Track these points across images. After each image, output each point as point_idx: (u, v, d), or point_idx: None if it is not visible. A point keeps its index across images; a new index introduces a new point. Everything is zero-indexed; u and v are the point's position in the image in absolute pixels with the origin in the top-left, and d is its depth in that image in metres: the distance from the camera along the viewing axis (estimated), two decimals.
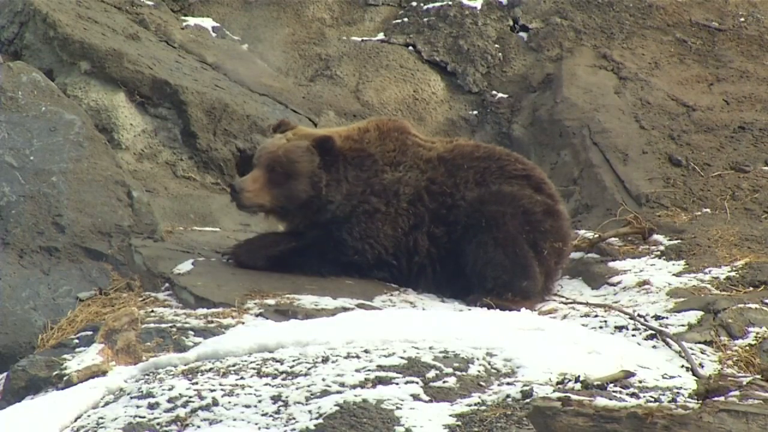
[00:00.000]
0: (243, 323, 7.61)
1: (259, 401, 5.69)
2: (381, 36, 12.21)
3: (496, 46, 12.07)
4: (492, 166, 8.61)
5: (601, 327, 7.83)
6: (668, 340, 7.48)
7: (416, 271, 8.51)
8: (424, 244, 8.48)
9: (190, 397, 5.78)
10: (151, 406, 5.79)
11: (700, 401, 5.12)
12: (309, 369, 5.94)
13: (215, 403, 5.70)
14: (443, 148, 8.71)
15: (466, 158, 8.64)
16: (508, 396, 5.66)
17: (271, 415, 5.58)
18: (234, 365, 6.12)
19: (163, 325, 7.58)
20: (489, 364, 6.04)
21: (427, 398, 5.67)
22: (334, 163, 8.40)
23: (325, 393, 5.68)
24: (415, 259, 8.49)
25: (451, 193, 8.50)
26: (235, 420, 5.57)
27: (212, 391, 5.81)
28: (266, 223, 9.05)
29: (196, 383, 5.92)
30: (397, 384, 5.76)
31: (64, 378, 6.70)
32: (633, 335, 7.67)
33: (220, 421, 5.58)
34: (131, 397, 5.94)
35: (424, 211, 8.49)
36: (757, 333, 7.67)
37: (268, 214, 8.59)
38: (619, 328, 7.79)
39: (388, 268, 8.50)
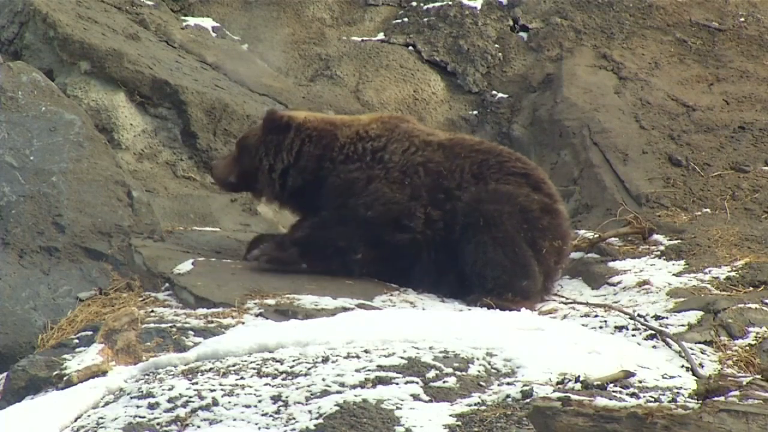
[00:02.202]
0: (243, 323, 7.61)
1: (259, 401, 5.69)
2: (381, 36, 12.21)
3: (496, 46, 12.06)
4: (490, 160, 8.61)
5: (601, 327, 7.83)
6: (668, 340, 7.48)
7: (414, 253, 8.50)
8: (421, 219, 8.48)
9: (190, 397, 5.78)
10: (151, 406, 5.79)
11: (700, 401, 5.12)
12: (309, 369, 5.94)
13: (215, 403, 5.70)
14: (444, 137, 8.83)
15: (465, 148, 8.67)
16: (508, 396, 5.66)
17: (271, 415, 5.58)
18: (234, 365, 6.12)
19: (163, 325, 7.58)
20: (489, 364, 6.05)
21: (427, 398, 5.67)
22: (280, 134, 8.82)
23: (325, 393, 5.68)
24: (416, 233, 8.50)
25: (447, 176, 8.52)
26: (235, 420, 5.57)
27: (212, 391, 5.81)
28: (265, 224, 9.05)
29: (196, 383, 5.92)
30: (397, 384, 5.76)
31: (64, 378, 6.70)
32: (633, 335, 7.67)
33: (220, 421, 5.58)
34: (131, 397, 5.94)
35: (420, 185, 8.50)
36: (757, 333, 7.67)
37: (242, 191, 9.41)
38: (619, 328, 7.79)
39: (403, 230, 8.50)
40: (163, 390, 5.91)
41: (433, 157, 8.59)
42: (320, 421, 5.44)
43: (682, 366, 7.00)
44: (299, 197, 8.84)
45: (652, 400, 5.69)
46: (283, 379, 5.87)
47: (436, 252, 8.49)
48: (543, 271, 8.48)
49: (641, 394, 5.78)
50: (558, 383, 5.81)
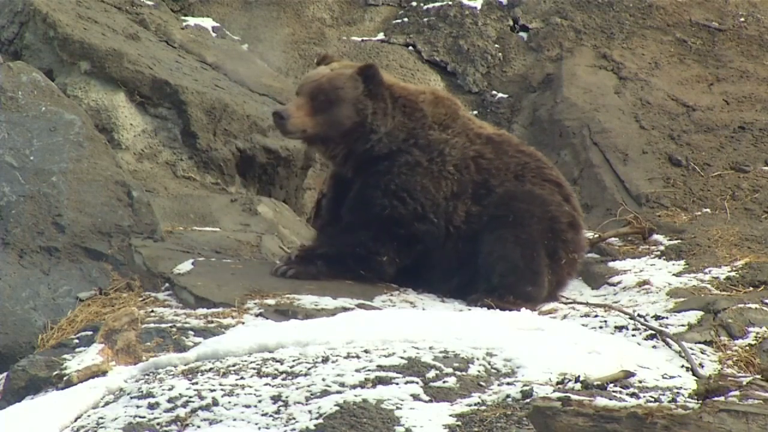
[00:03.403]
0: (243, 323, 7.61)
1: (259, 401, 5.69)
2: (381, 36, 12.22)
3: (496, 46, 12.07)
4: (531, 164, 8.56)
5: (601, 327, 7.83)
6: (668, 340, 7.48)
7: (442, 242, 8.38)
8: (461, 216, 8.37)
9: (190, 397, 5.78)
10: (151, 406, 5.79)
11: (700, 401, 5.12)
12: (309, 369, 5.94)
13: (215, 403, 5.70)
14: (492, 130, 8.73)
15: (512, 146, 8.60)
16: (508, 396, 5.66)
17: (271, 415, 5.58)
18: (234, 365, 6.12)
19: (163, 325, 7.59)
20: (489, 364, 6.04)
21: (427, 398, 5.67)
22: (380, 93, 8.33)
23: (325, 393, 5.68)
24: (450, 229, 8.37)
25: (494, 174, 8.42)
26: (235, 420, 5.57)
27: (212, 391, 5.81)
28: (265, 224, 9.04)
29: (196, 383, 5.92)
30: (397, 384, 5.76)
31: (64, 378, 6.70)
32: (633, 335, 7.67)
33: (220, 421, 5.58)
34: (131, 397, 5.94)
35: (468, 182, 8.39)
36: (757, 333, 7.67)
37: (309, 143, 8.56)
38: (619, 328, 7.79)
39: (428, 224, 8.32)
40: (163, 390, 5.91)
41: (484, 152, 8.48)
42: (320, 421, 5.44)
43: (682, 366, 7.00)
44: (366, 167, 8.41)
45: (652, 400, 5.69)
46: (283, 379, 5.87)
47: (462, 242, 8.40)
48: (556, 280, 8.46)
49: (641, 394, 5.78)
50: (558, 383, 5.81)
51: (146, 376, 6.28)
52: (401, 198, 8.29)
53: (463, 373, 5.92)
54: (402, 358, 6.02)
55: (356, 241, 8.31)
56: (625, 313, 7.98)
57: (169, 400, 5.79)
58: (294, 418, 5.51)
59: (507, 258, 8.24)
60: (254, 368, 6.03)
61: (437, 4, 12.31)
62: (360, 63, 8.63)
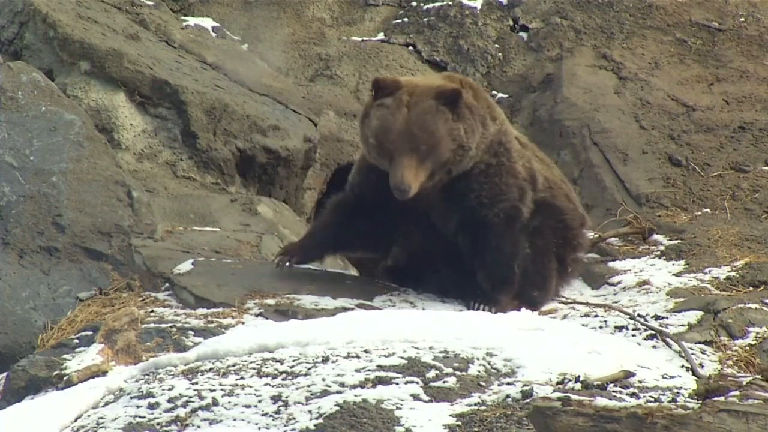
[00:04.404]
0: (243, 323, 7.61)
1: (259, 401, 5.69)
2: (381, 36, 12.22)
3: (496, 46, 12.07)
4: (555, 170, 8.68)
5: (601, 327, 7.83)
6: (668, 340, 7.49)
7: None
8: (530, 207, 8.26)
9: (190, 397, 5.78)
10: (151, 406, 5.79)
11: (700, 401, 5.12)
12: (309, 369, 5.94)
13: (215, 403, 5.70)
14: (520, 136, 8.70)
15: (539, 155, 8.64)
16: (508, 396, 5.66)
17: (271, 415, 5.58)
18: (234, 365, 6.12)
19: (163, 325, 7.59)
20: (489, 364, 6.04)
21: (427, 398, 5.67)
22: (463, 112, 7.91)
23: (325, 393, 5.68)
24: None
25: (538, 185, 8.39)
26: (235, 420, 5.57)
27: (212, 391, 5.81)
28: (265, 224, 9.04)
29: (196, 383, 5.92)
30: (397, 384, 5.76)
31: (64, 378, 6.70)
32: (633, 335, 7.67)
33: (220, 421, 5.58)
34: (131, 397, 5.94)
35: (525, 171, 8.29)
36: (757, 333, 7.68)
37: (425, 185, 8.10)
38: (619, 328, 7.79)
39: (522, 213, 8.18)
40: (163, 390, 5.91)
41: (524, 143, 8.51)
42: (320, 421, 5.44)
43: (682, 366, 7.00)
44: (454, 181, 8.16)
45: (652, 400, 5.69)
46: (283, 379, 5.87)
47: None
48: (562, 282, 8.50)
49: (641, 394, 5.78)
50: (558, 383, 5.81)
51: (146, 376, 6.28)
52: (501, 200, 8.09)
53: (463, 373, 5.92)
54: (402, 358, 6.02)
55: (506, 257, 8.11)
56: (625, 313, 7.98)
57: (169, 400, 5.79)
58: (294, 418, 5.52)
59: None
60: (254, 368, 6.03)
61: (437, 4, 12.31)
62: (431, 83, 8.07)
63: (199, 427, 5.55)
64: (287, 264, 8.38)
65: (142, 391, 5.96)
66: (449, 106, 7.84)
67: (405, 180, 7.73)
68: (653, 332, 7.61)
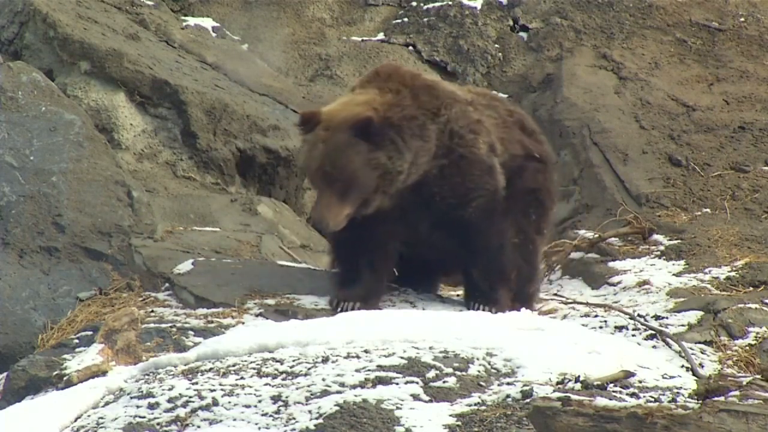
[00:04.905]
0: (243, 323, 7.61)
1: (259, 401, 5.69)
2: (381, 36, 12.22)
3: (496, 46, 12.07)
4: (498, 120, 8.27)
5: (601, 327, 7.83)
6: (668, 340, 7.49)
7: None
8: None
9: (190, 397, 5.78)
10: (151, 406, 5.79)
11: (700, 401, 5.13)
12: (309, 369, 5.94)
13: (215, 403, 5.70)
14: (457, 90, 8.28)
15: (481, 104, 8.27)
16: (508, 396, 5.66)
17: (271, 415, 5.58)
18: (234, 365, 6.12)
19: (163, 325, 7.59)
20: (489, 364, 6.04)
21: (427, 398, 5.67)
22: (382, 140, 7.67)
23: (325, 393, 5.68)
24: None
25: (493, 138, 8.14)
26: (235, 420, 5.57)
27: (212, 391, 5.81)
28: (265, 224, 9.04)
29: (196, 383, 5.92)
30: (397, 384, 5.76)
31: (64, 378, 6.70)
32: (633, 335, 7.67)
33: (220, 421, 5.58)
34: (131, 397, 5.94)
35: (486, 143, 8.03)
36: (757, 333, 7.68)
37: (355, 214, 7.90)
38: (619, 328, 7.79)
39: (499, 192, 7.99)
40: (163, 390, 5.91)
41: (483, 120, 8.15)
42: (320, 421, 5.44)
43: (682, 366, 7.01)
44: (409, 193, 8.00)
45: (652, 400, 5.69)
46: (283, 379, 5.87)
47: None
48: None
49: (641, 394, 5.78)
50: (558, 383, 5.81)
51: (146, 376, 6.28)
52: (471, 189, 7.90)
53: (463, 373, 5.92)
54: (402, 358, 6.02)
55: (499, 251, 8.01)
56: (625, 313, 7.98)
57: (169, 400, 5.79)
58: (294, 418, 5.52)
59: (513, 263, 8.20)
60: (254, 368, 6.03)
61: (437, 4, 12.31)
62: (348, 113, 7.76)
63: (199, 427, 5.55)
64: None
65: (142, 391, 5.96)
66: (363, 137, 7.61)
67: (323, 217, 7.61)
68: (653, 332, 7.62)
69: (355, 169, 7.57)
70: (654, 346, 7.45)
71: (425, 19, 12.24)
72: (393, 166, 7.66)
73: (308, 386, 5.75)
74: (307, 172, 7.89)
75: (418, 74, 8.16)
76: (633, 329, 7.75)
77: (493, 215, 7.92)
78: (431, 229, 7.96)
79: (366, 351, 6.13)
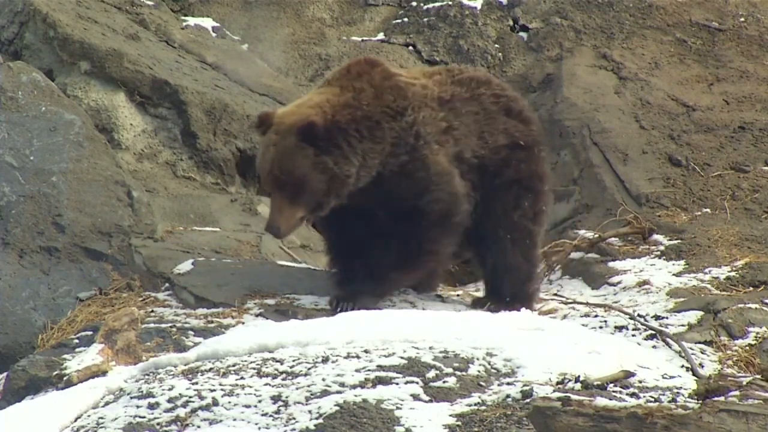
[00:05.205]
0: (243, 323, 7.62)
1: (259, 401, 5.69)
2: (381, 36, 12.22)
3: (496, 46, 12.07)
4: (480, 113, 8.18)
5: (601, 327, 7.84)
6: (668, 340, 7.49)
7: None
8: (468, 186, 8.03)
9: (190, 397, 5.78)
10: (151, 406, 5.79)
11: (700, 401, 5.13)
12: (309, 369, 5.94)
13: (215, 403, 5.70)
14: (437, 88, 8.15)
15: (463, 102, 8.16)
16: (508, 396, 5.66)
17: (271, 415, 5.58)
18: (234, 365, 6.12)
19: (163, 325, 7.59)
20: (489, 364, 6.04)
21: (427, 398, 5.67)
22: (328, 145, 7.64)
23: (325, 393, 5.68)
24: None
25: (464, 144, 8.05)
26: (235, 420, 5.57)
27: (212, 391, 5.81)
28: (264, 223, 9.03)
29: (196, 383, 5.92)
30: (397, 384, 5.76)
31: (64, 378, 6.71)
32: (633, 335, 7.67)
33: (220, 421, 5.58)
34: (131, 397, 5.94)
35: (451, 154, 7.98)
36: (757, 333, 7.68)
37: (310, 217, 7.98)
38: (619, 328, 7.79)
39: (464, 199, 7.96)
40: (163, 390, 5.91)
41: (451, 121, 8.08)
42: (320, 421, 5.45)
43: (682, 366, 7.01)
44: (365, 193, 8.01)
45: (652, 400, 5.69)
46: (283, 379, 5.87)
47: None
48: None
49: (641, 394, 5.78)
50: (558, 383, 5.81)
51: (146, 376, 6.28)
52: (431, 191, 7.86)
53: (463, 373, 5.93)
54: (402, 358, 6.02)
55: (425, 252, 7.93)
56: (625, 313, 7.98)
57: (169, 400, 5.80)
58: (294, 418, 5.52)
59: (511, 270, 8.18)
60: (254, 368, 6.03)
61: (437, 4, 12.31)
62: (298, 115, 7.74)
63: (199, 427, 5.55)
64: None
65: (142, 391, 5.96)
66: (309, 142, 7.60)
67: (273, 222, 7.62)
68: (653, 332, 7.61)
69: (303, 173, 7.57)
70: (654, 346, 7.45)
71: (425, 19, 12.24)
72: (340, 171, 7.64)
73: (308, 386, 5.75)
74: (260, 175, 7.90)
75: (393, 74, 8.06)
76: (633, 329, 7.75)
77: (447, 222, 7.90)
78: (395, 224, 7.95)
79: (366, 351, 6.13)
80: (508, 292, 8.13)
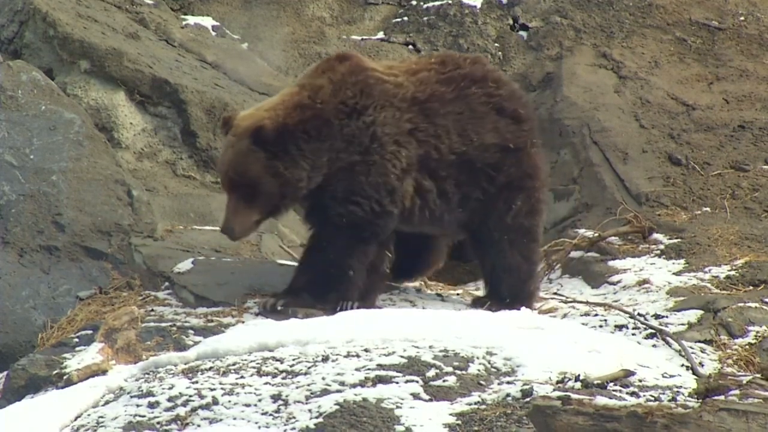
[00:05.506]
0: (243, 322, 7.62)
1: (259, 400, 5.70)
2: (381, 35, 12.21)
3: (496, 45, 12.07)
4: (465, 112, 8.12)
5: (601, 326, 7.84)
6: (668, 339, 7.49)
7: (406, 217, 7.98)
8: (410, 191, 7.92)
9: (190, 396, 5.78)
10: (151, 405, 5.79)
11: (700, 400, 5.13)
12: (309, 368, 5.94)
13: (215, 402, 5.70)
14: (412, 86, 8.07)
15: (443, 102, 8.07)
16: (508, 395, 5.66)
17: (271, 414, 5.58)
18: (234, 364, 6.12)
19: (163, 324, 7.59)
20: (489, 363, 6.05)
21: (427, 397, 5.67)
22: (278, 149, 7.68)
23: (325, 392, 5.68)
24: (414, 206, 7.96)
25: (435, 144, 7.97)
26: (235, 419, 5.57)
27: (212, 390, 5.81)
28: (265, 223, 9.03)
29: (196, 382, 5.92)
30: (397, 383, 5.76)
31: (64, 377, 6.71)
32: (633, 334, 7.67)
33: (220, 420, 5.58)
34: (131, 396, 5.94)
35: (414, 155, 7.90)
36: (757, 332, 7.68)
37: (267, 219, 8.06)
38: (619, 327, 7.79)
39: (386, 216, 7.84)
40: (163, 389, 5.91)
41: (418, 123, 7.96)
42: (320, 420, 5.45)
43: (682, 365, 7.01)
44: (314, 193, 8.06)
45: (652, 398, 5.70)
46: (283, 378, 5.87)
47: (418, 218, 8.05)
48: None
49: (641, 393, 5.78)
50: (558, 382, 5.82)
51: (146, 375, 6.28)
52: (355, 202, 7.82)
53: (463, 372, 5.93)
54: (402, 357, 6.02)
55: (326, 262, 7.82)
56: (625, 312, 7.98)
57: (169, 399, 5.80)
58: (294, 417, 5.52)
59: (511, 270, 8.18)
60: (254, 367, 6.03)
61: (437, 3, 12.31)
62: (252, 120, 7.79)
63: (199, 426, 5.55)
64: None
65: (142, 390, 5.96)
66: (260, 146, 7.67)
67: (228, 224, 7.75)
68: (653, 331, 7.61)
69: (256, 176, 7.67)
70: (654, 345, 7.45)
71: (425, 18, 12.23)
72: (291, 176, 7.71)
73: (308, 385, 5.75)
74: (218, 171, 8.02)
75: (365, 68, 8.00)
76: (633, 328, 7.75)
77: (354, 232, 7.82)
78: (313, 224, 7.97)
79: (366, 350, 6.13)
80: (508, 292, 8.13)
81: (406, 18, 12.29)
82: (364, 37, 12.14)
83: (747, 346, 7.52)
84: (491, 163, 8.07)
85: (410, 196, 7.92)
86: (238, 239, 8.08)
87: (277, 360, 6.10)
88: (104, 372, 6.66)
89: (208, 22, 11.90)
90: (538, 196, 8.24)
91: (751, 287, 8.49)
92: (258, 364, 6.08)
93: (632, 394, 5.77)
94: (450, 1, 12.29)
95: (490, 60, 11.98)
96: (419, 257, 8.59)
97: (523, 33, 12.14)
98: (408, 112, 7.96)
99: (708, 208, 9.96)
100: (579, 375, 5.85)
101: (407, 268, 8.58)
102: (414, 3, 12.39)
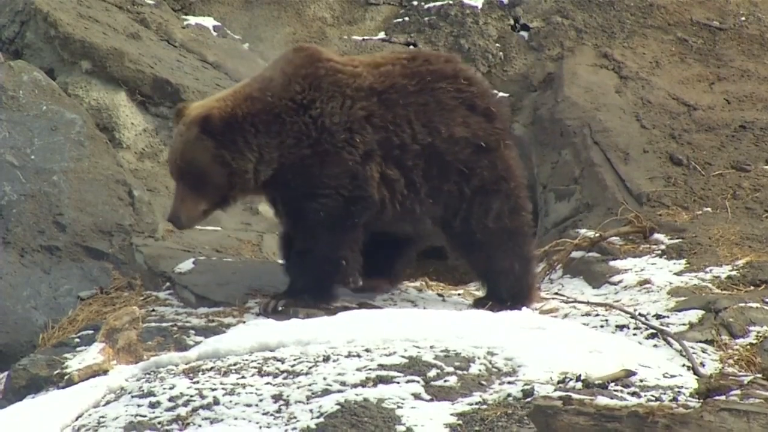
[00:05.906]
0: (244, 322, 7.62)
1: (260, 400, 5.70)
2: (382, 35, 12.21)
3: (497, 45, 12.07)
4: (431, 104, 8.05)
5: (602, 326, 7.83)
6: (669, 339, 7.49)
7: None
8: (376, 177, 7.86)
9: (191, 396, 5.79)
10: (152, 405, 5.79)
11: (701, 400, 5.13)
12: (310, 368, 5.94)
13: (216, 402, 5.70)
14: (371, 77, 8.01)
15: (403, 94, 8.00)
16: (509, 395, 5.66)
17: (272, 414, 5.58)
18: (235, 364, 6.13)
19: (164, 324, 7.60)
20: (490, 363, 6.05)
21: (428, 397, 5.67)
22: (226, 139, 7.71)
23: (326, 392, 5.68)
24: (384, 198, 7.90)
25: (395, 131, 7.90)
26: (236, 419, 5.57)
27: (213, 390, 5.81)
28: (265, 223, 9.03)
29: (197, 382, 5.92)
30: (398, 383, 5.76)
31: (65, 377, 6.71)
32: (634, 334, 7.67)
33: (221, 420, 5.58)
34: (132, 396, 5.94)
35: (371, 141, 7.83)
36: (758, 332, 7.68)
37: (215, 210, 8.04)
38: (620, 327, 7.79)
39: (362, 201, 7.82)
40: (164, 389, 5.91)
41: (374, 111, 7.91)
42: (321, 420, 5.45)
43: (683, 365, 7.01)
44: (272, 187, 8.01)
45: (653, 399, 5.69)
46: (284, 378, 5.87)
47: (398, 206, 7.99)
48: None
49: (642, 393, 5.78)
50: (559, 382, 5.82)
51: (147, 375, 6.29)
52: (321, 194, 7.77)
53: (464, 372, 5.93)
54: (403, 357, 6.02)
55: (319, 260, 7.80)
56: (626, 312, 7.98)
57: (171, 399, 5.80)
58: (295, 417, 5.52)
59: (505, 273, 8.15)
60: (255, 367, 6.03)
61: (438, 3, 12.31)
62: (200, 110, 7.83)
63: (200, 426, 5.56)
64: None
65: (143, 390, 5.96)
66: (209, 135, 7.71)
67: (175, 212, 7.80)
68: (654, 331, 7.61)
69: (203, 165, 7.71)
70: (655, 345, 7.45)
71: (426, 18, 12.24)
72: (237, 166, 7.73)
73: (309, 385, 5.75)
74: (168, 165, 8.07)
75: (321, 60, 7.96)
76: (634, 328, 7.75)
77: (335, 222, 7.81)
78: (294, 224, 7.93)
79: (367, 350, 6.13)
80: (507, 293, 8.12)
81: (407, 18, 12.30)
82: (365, 38, 12.15)
83: (748, 347, 7.52)
84: (462, 159, 8.00)
85: (377, 184, 7.85)
86: (185, 228, 8.06)
87: (278, 360, 6.10)
88: (105, 372, 6.66)
89: (209, 22, 11.90)
90: (517, 195, 8.17)
91: (752, 287, 8.49)
92: (259, 364, 6.08)
93: (633, 394, 5.76)
94: (451, 2, 12.29)
95: (491, 60, 11.99)
96: (385, 261, 8.47)
97: (524, 33, 12.14)
98: (362, 100, 7.90)
99: (709, 209, 9.95)
100: (580, 375, 5.85)
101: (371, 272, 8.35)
102: (415, 3, 12.39)
